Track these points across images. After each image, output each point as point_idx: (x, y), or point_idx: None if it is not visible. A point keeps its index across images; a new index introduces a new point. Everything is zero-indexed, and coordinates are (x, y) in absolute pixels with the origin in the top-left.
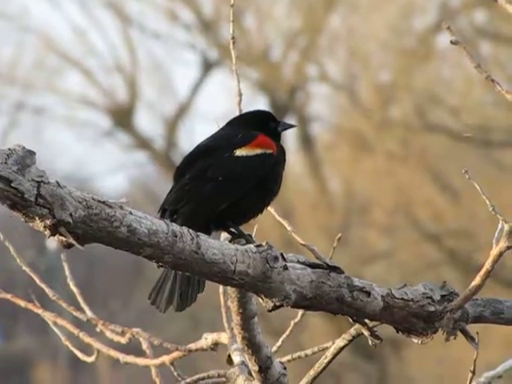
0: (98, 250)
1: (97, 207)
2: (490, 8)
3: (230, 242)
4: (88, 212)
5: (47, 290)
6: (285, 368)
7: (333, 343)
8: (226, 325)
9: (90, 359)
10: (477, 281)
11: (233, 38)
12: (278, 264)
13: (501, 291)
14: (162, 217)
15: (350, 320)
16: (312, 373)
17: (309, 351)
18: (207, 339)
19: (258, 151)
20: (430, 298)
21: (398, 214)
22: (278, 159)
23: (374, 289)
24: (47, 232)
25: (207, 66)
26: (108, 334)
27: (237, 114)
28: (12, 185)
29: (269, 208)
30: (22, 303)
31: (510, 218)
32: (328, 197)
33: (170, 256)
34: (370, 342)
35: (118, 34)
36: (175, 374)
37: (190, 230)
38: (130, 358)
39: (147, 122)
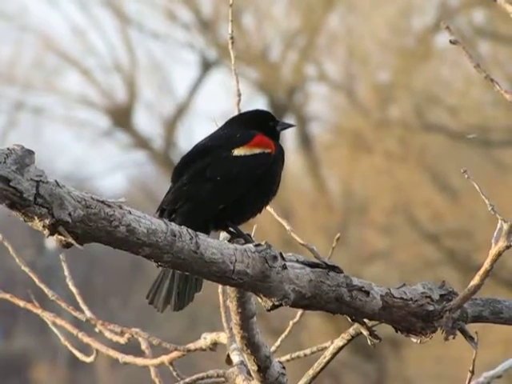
0: (97, 249)
1: (96, 207)
2: (489, 7)
3: (229, 241)
4: (87, 211)
5: (46, 289)
6: (284, 368)
7: (332, 343)
8: (225, 324)
9: (88, 359)
10: (476, 280)
11: (232, 37)
12: (277, 263)
13: (500, 291)
14: (161, 217)
15: (349, 319)
16: (311, 372)
17: (308, 351)
18: (206, 339)
19: (257, 151)
20: (429, 297)
21: (396, 213)
22: (276, 159)
23: (373, 288)
24: (46, 231)
25: (206, 66)
26: (107, 333)
27: (236, 113)
28: (11, 184)
29: (268, 207)
30: (21, 303)
31: (509, 217)
32: (327, 196)
33: (169, 255)
34: (369, 342)
35: (117, 33)
36: (174, 373)
37: (189, 230)
38: (129, 358)
39: (146, 122)
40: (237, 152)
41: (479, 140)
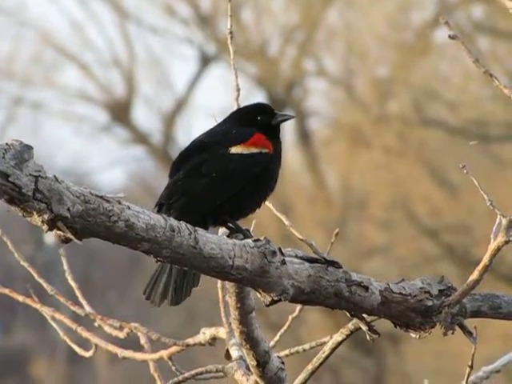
0: (95, 244)
1: (94, 202)
2: (488, 3)
3: (228, 236)
4: (86, 207)
5: (45, 284)
6: (283, 363)
7: (331, 338)
8: (224, 319)
9: (87, 354)
10: (475, 275)
11: (231, 32)
12: (276, 259)
13: (499, 286)
14: (159, 212)
15: (348, 315)
16: (310, 367)
17: (307, 346)
18: (205, 334)
19: (254, 150)
20: (428, 292)
21: (395, 208)
22: (273, 157)
23: (372, 283)
24: (45, 227)
25: (205, 61)
26: (106, 328)
27: (235, 108)
28: (9, 179)
29: (266, 203)
30: (20, 298)
31: (508, 212)
32: (326, 191)
33: (168, 251)
34: (367, 337)
35: (116, 28)
36: (173, 368)
37: (188, 225)
38: (128, 353)
39: (145, 117)
40: (234, 150)
41: (478, 135)
